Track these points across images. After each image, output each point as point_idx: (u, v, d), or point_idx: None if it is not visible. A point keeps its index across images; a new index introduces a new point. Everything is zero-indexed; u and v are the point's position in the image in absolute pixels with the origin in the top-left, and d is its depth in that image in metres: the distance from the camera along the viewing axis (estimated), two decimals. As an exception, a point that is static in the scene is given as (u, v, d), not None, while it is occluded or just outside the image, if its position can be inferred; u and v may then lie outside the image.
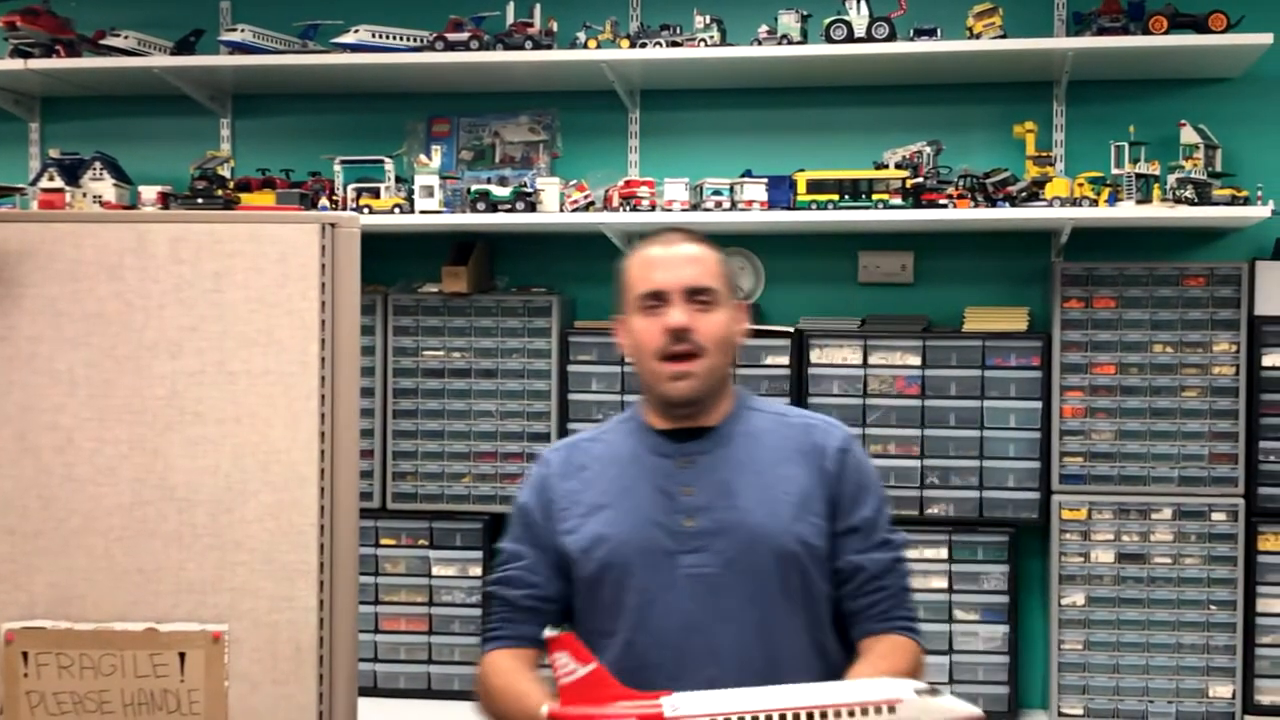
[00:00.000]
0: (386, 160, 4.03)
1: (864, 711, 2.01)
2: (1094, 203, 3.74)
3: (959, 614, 3.93)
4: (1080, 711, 3.89)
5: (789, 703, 2.04)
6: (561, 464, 2.53)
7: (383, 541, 4.15)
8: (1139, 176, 3.75)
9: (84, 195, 4.05)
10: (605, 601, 2.41)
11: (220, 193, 4.01)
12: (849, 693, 2.06)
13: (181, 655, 2.70)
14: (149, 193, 4.05)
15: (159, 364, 2.71)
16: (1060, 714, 3.89)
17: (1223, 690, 3.85)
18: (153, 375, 2.71)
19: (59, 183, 4.04)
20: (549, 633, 2.20)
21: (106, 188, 4.06)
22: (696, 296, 2.39)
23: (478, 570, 4.14)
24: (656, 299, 2.40)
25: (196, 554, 2.70)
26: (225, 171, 4.13)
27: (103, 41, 4.07)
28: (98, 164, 4.09)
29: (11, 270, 2.73)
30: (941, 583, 3.93)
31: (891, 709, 2.01)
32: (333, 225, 2.73)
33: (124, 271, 2.71)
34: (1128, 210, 3.73)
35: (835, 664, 2.39)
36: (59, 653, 2.72)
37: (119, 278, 2.71)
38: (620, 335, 2.52)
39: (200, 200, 3.97)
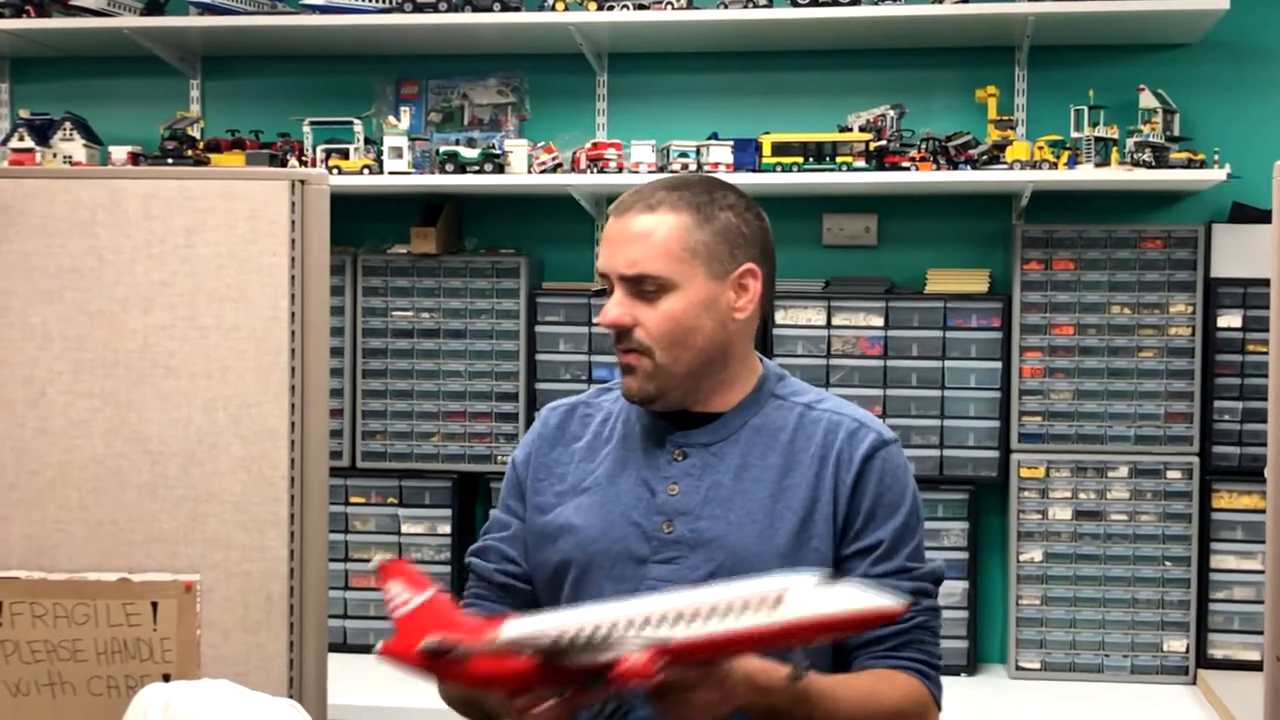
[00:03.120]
0: (355, 122, 4.06)
1: (745, 607, 1.69)
2: (1054, 166, 3.80)
3: (920, 570, 3.99)
4: (1038, 665, 3.96)
5: (659, 607, 1.72)
6: (556, 427, 2.21)
7: (352, 499, 4.20)
8: (1098, 140, 3.81)
9: (54, 155, 4.07)
10: (562, 600, 2.07)
11: (190, 153, 4.04)
12: (734, 590, 1.73)
13: (154, 605, 2.74)
14: (119, 153, 4.07)
15: (131, 318, 2.75)
16: (1018, 668, 3.97)
17: (1177, 644, 3.93)
18: (125, 329, 2.75)
19: (29, 143, 4.06)
20: (377, 560, 1.92)
21: (77, 148, 4.08)
22: (639, 285, 2.01)
23: (446, 528, 4.18)
24: (606, 280, 2.07)
25: (169, 505, 2.74)
26: (195, 132, 4.15)
27: (72, 2, 4.08)
28: (68, 124, 4.11)
29: (-16, 226, 2.76)
30: (903, 540, 3.99)
31: (779, 600, 1.68)
32: (302, 182, 2.78)
33: (96, 227, 2.75)
34: (1087, 173, 3.79)
35: None
36: (33, 602, 2.76)
37: (91, 233, 2.75)
38: None
39: (170, 161, 3.99)
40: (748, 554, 1.98)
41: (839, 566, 2.00)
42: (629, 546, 2.03)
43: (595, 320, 2.07)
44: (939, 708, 2.09)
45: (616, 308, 2.02)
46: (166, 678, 2.69)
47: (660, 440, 2.08)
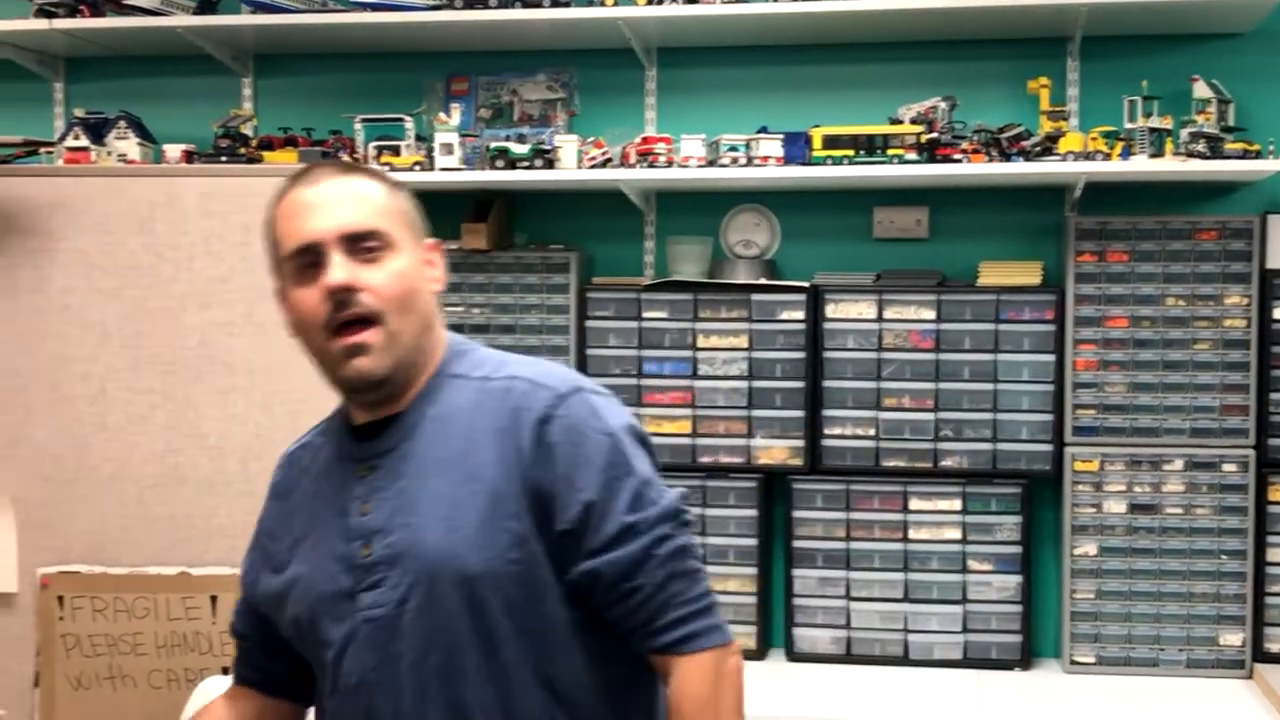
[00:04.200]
0: (406, 118, 4.07)
1: None
2: (1107, 157, 3.77)
3: (972, 564, 3.98)
4: (1092, 660, 3.94)
5: None
6: (279, 480, 2.10)
7: (405, 494, 4.22)
8: (1152, 131, 3.78)
9: (109, 154, 4.10)
10: (310, 656, 1.98)
11: (243, 151, 4.06)
12: None
13: (213, 598, 2.78)
14: (173, 151, 4.10)
15: (189, 315, 2.78)
16: (1073, 662, 3.94)
17: (1233, 638, 3.90)
18: (183, 326, 2.78)
19: (84, 141, 4.09)
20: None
21: (131, 146, 4.11)
22: (361, 244, 1.85)
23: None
24: (309, 255, 1.86)
25: (227, 500, 2.78)
26: (248, 130, 4.17)
27: (126, 1, 4.11)
28: (122, 123, 4.14)
29: (43, 223, 2.80)
30: (955, 534, 3.98)
31: None
32: (357, 179, 2.79)
33: (154, 224, 2.78)
34: (1141, 164, 3.76)
35: (589, 706, 1.90)
36: (93, 596, 2.80)
37: (149, 230, 2.78)
38: (282, 310, 1.97)
39: (224, 158, 4.02)
40: (437, 556, 1.82)
41: (560, 544, 1.84)
42: (338, 583, 1.88)
43: (328, 285, 1.89)
44: (728, 641, 1.90)
45: (341, 270, 1.83)
46: (225, 671, 2.72)
47: (350, 459, 1.94)
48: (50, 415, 2.81)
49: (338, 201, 1.86)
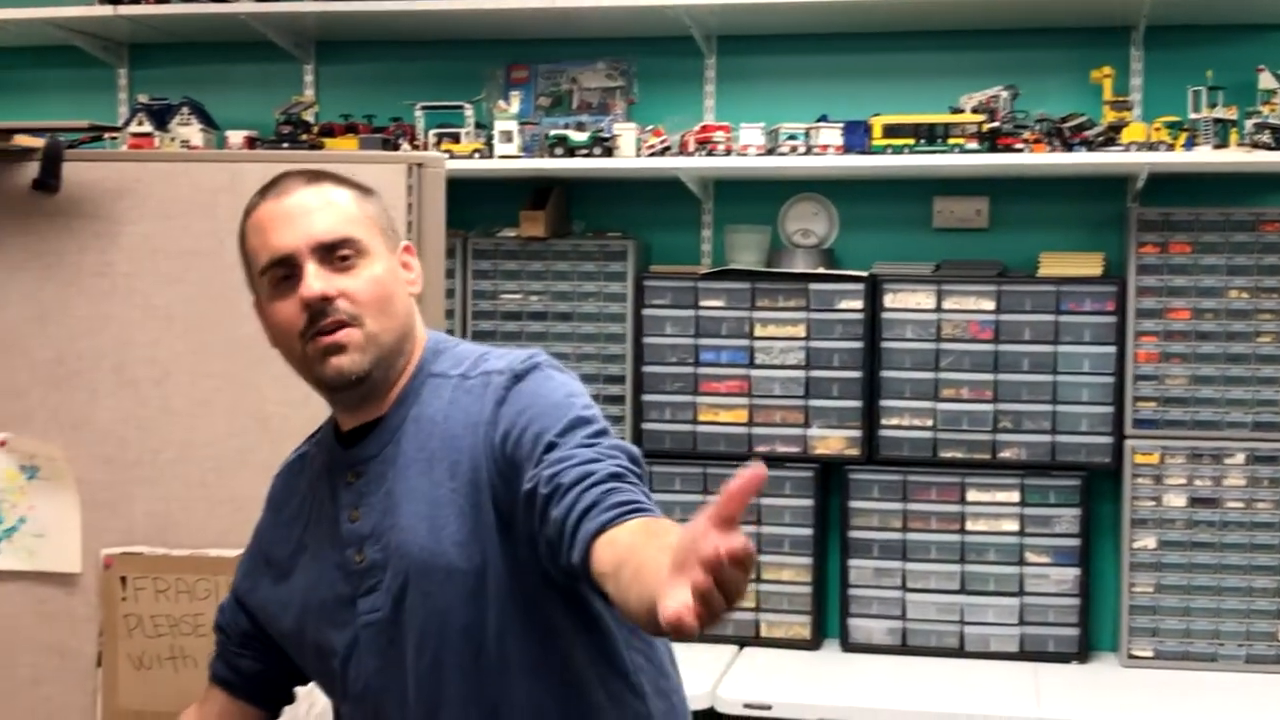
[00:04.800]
0: (466, 106, 4.09)
1: None
2: (1171, 147, 3.74)
3: (1030, 557, 3.96)
4: (1150, 654, 3.91)
5: None
6: (277, 490, 2.12)
7: (462, 480, 4.24)
8: (1216, 121, 3.74)
9: (172, 140, 4.14)
10: (312, 666, 2.02)
11: (305, 138, 4.09)
12: None
13: (273, 581, 2.80)
14: (235, 137, 4.14)
15: (251, 299, 2.80)
16: (1130, 656, 3.92)
17: (1294, 634, 3.87)
18: (245, 311, 2.78)
19: (148, 127, 4.13)
20: None
21: (194, 133, 4.14)
22: (335, 253, 1.86)
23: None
24: (283, 268, 1.87)
25: (288, 483, 2.79)
26: (309, 117, 4.20)
27: (189, -13, 4.15)
28: (185, 109, 4.17)
29: (108, 208, 2.82)
30: (1013, 526, 3.96)
31: None
32: (419, 165, 2.81)
33: (217, 209, 2.79)
34: (1205, 155, 3.73)
35: (580, 693, 1.87)
36: (156, 577, 2.82)
37: (212, 215, 2.80)
38: (262, 323, 1.98)
39: (285, 145, 4.05)
40: (424, 554, 1.82)
41: (522, 504, 1.75)
42: (337, 591, 1.90)
43: (304, 298, 1.89)
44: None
45: (317, 280, 1.83)
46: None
47: (338, 467, 1.95)
48: (114, 398, 2.83)
49: (309, 211, 1.87)
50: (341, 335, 1.84)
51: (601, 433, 1.77)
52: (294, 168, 1.99)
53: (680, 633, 1.28)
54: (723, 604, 1.28)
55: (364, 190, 1.95)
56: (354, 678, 1.90)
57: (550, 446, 1.73)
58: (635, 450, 1.77)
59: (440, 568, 1.81)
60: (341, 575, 1.90)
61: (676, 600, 1.28)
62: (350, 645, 1.90)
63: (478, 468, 1.82)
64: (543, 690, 1.85)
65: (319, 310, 1.84)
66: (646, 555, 1.47)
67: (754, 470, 1.26)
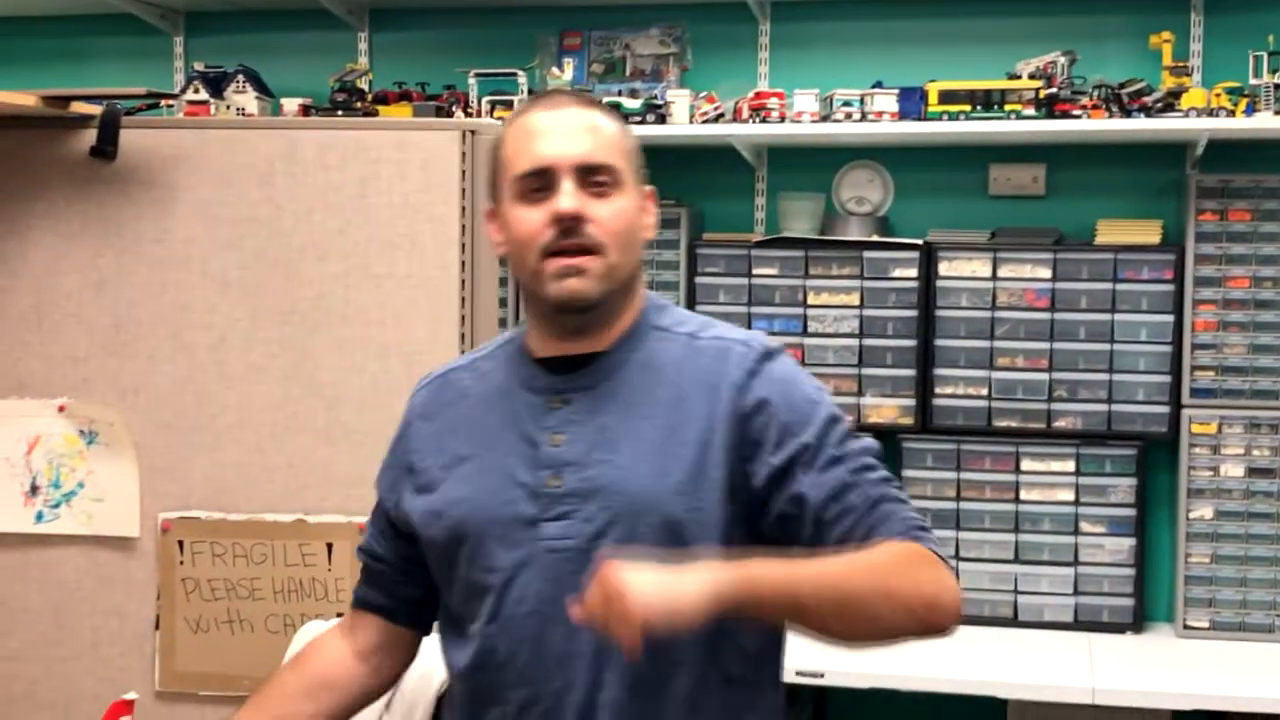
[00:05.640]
0: (519, 73, 4.08)
1: None
2: (1231, 114, 3.69)
3: (1085, 526, 3.94)
4: (1206, 624, 3.89)
5: None
6: (426, 401, 2.05)
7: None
8: (1277, 87, 3.69)
9: (228, 107, 4.15)
10: (460, 581, 1.94)
11: (359, 105, 4.09)
12: None
13: (329, 545, 2.82)
14: (290, 105, 4.14)
15: (307, 266, 2.82)
16: (1186, 626, 3.89)
17: (1352, 606, 3.83)
18: (301, 277, 2.82)
19: (204, 95, 4.15)
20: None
21: (249, 100, 4.15)
22: (592, 177, 1.85)
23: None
24: (539, 179, 1.86)
25: (344, 449, 2.81)
26: (364, 85, 4.21)
27: (245, -44, 4.16)
28: (240, 77, 4.18)
29: (166, 174, 2.84)
30: (1068, 495, 3.93)
31: None
32: (473, 132, 2.81)
33: (274, 177, 2.81)
34: (1265, 121, 3.68)
35: (748, 664, 1.91)
36: (213, 541, 2.86)
37: (269, 183, 2.82)
38: (492, 230, 1.97)
39: (340, 113, 4.05)
40: (642, 498, 1.82)
41: (768, 488, 1.83)
42: (517, 509, 1.87)
43: (559, 211, 1.84)
44: (947, 564, 1.83)
45: (572, 198, 1.83)
46: (340, 617, 2.76)
47: (538, 389, 1.92)
48: (172, 363, 2.86)
49: (576, 131, 1.86)
50: (583, 260, 1.84)
51: (849, 434, 1.87)
52: (556, 88, 1.97)
53: None
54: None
55: (625, 125, 1.95)
56: (516, 598, 1.86)
57: (807, 448, 1.82)
58: (877, 445, 1.89)
59: (656, 512, 1.82)
60: (525, 494, 1.87)
61: None
62: (520, 565, 1.86)
63: (712, 429, 1.85)
64: (708, 657, 1.86)
65: (568, 229, 1.83)
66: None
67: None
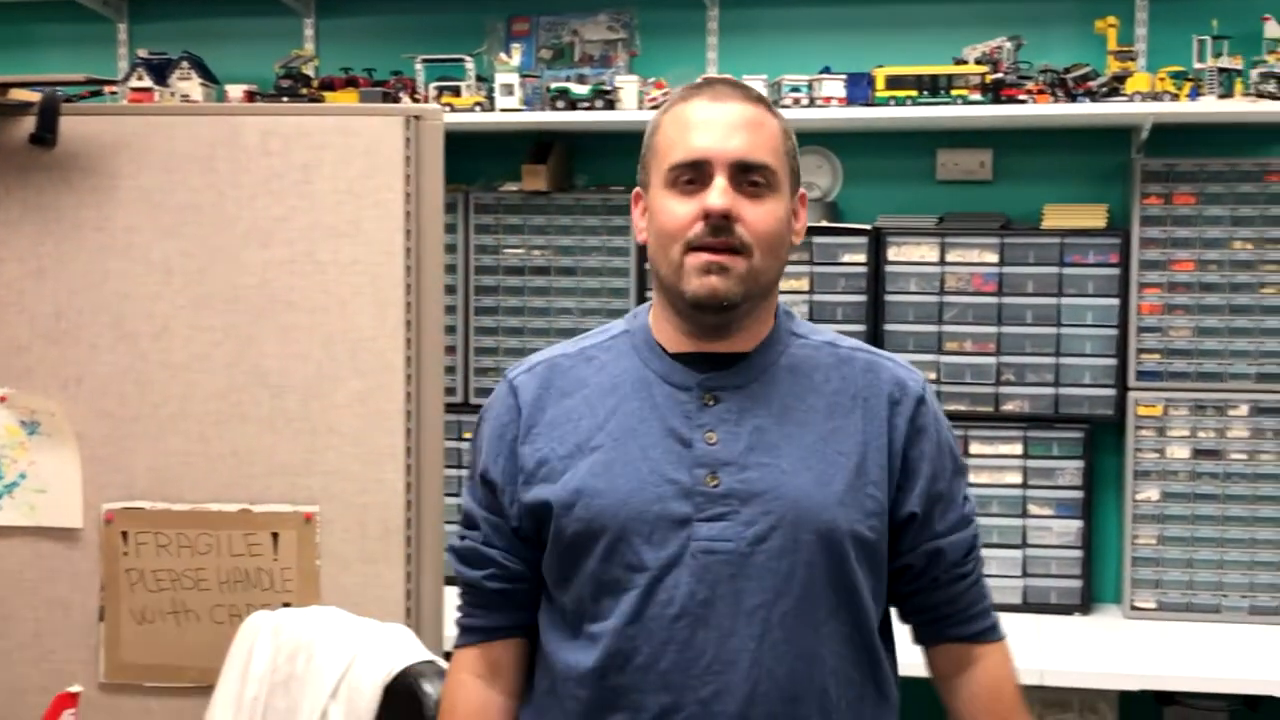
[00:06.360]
0: (467, 59, 4.06)
1: None
2: (1175, 98, 3.71)
3: (1033, 509, 3.96)
4: (1153, 605, 3.92)
5: None
6: (538, 390, 1.93)
7: (465, 435, 4.23)
8: (1221, 71, 3.71)
9: (172, 94, 4.12)
10: (588, 577, 1.84)
11: (305, 92, 4.07)
12: None
13: (274, 535, 2.80)
14: (235, 92, 4.11)
15: (251, 253, 2.80)
16: (1133, 607, 3.92)
17: (1297, 586, 3.87)
18: (244, 265, 2.80)
19: (147, 82, 4.11)
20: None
21: (194, 87, 4.12)
22: (748, 176, 1.80)
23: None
24: (693, 171, 1.80)
25: (288, 438, 2.80)
26: (309, 71, 4.18)
27: (188, -58, 4.12)
28: (185, 64, 4.15)
29: (107, 162, 2.81)
30: (1016, 478, 3.96)
31: None
32: (417, 118, 2.80)
33: (216, 163, 2.79)
34: (1209, 105, 3.70)
35: (882, 674, 1.91)
36: (157, 532, 2.83)
37: (211, 169, 2.79)
38: (635, 214, 1.93)
39: (285, 99, 4.02)
40: (809, 503, 1.79)
41: (903, 525, 1.88)
42: (668, 507, 1.80)
43: (710, 208, 1.78)
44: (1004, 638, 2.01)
45: (724, 196, 1.77)
46: (287, 606, 2.75)
47: (683, 385, 1.85)
48: (114, 352, 2.83)
49: (738, 127, 1.81)
50: (727, 258, 1.79)
51: (969, 494, 1.98)
52: (723, 77, 1.94)
53: None
54: None
55: (788, 126, 1.90)
56: (664, 600, 1.79)
57: (939, 497, 1.91)
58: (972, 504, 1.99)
59: (822, 522, 1.80)
60: (677, 492, 1.80)
61: None
62: (670, 564, 1.79)
63: (868, 443, 1.86)
64: (851, 663, 1.87)
65: (718, 226, 1.78)
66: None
67: None
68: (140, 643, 2.85)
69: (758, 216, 1.80)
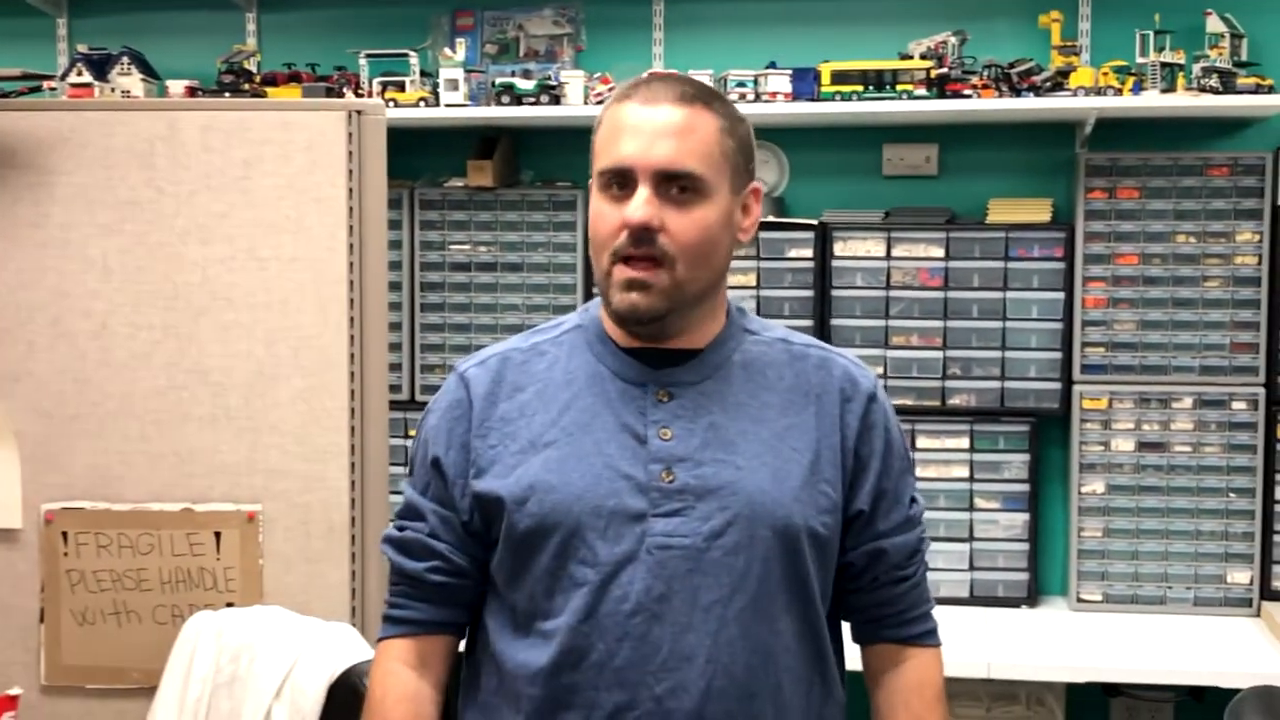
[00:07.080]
0: (411, 54, 4.04)
1: None
2: (1118, 92, 3.73)
3: (980, 502, 3.97)
4: (1099, 597, 3.94)
5: None
6: (490, 384, 1.89)
7: (410, 433, 4.21)
8: (1164, 66, 3.73)
9: (112, 90, 4.06)
10: (541, 573, 1.81)
11: (247, 87, 4.03)
12: None
13: (217, 534, 2.78)
14: (176, 87, 4.07)
15: (190, 250, 2.77)
16: (1079, 600, 3.94)
17: (1241, 576, 3.89)
18: (185, 261, 2.77)
19: (87, 78, 4.06)
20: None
21: (134, 83, 4.07)
22: (675, 183, 1.77)
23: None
24: (620, 179, 1.78)
25: (230, 436, 2.77)
26: (252, 66, 4.14)
27: (128, -65, 4.07)
28: (125, 59, 4.10)
29: (44, 158, 2.78)
30: (963, 472, 3.97)
31: None
32: (359, 113, 2.78)
33: (155, 159, 2.76)
34: (1152, 99, 3.72)
35: (831, 671, 1.92)
36: (98, 532, 2.80)
37: (150, 165, 2.76)
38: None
39: (227, 94, 3.98)
40: (765, 499, 1.79)
41: (856, 513, 1.89)
42: (623, 501, 1.78)
43: (628, 221, 1.77)
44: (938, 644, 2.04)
45: (646, 208, 1.74)
46: (230, 606, 2.72)
47: (637, 380, 1.85)
48: (52, 351, 2.80)
49: (664, 134, 1.76)
50: (648, 274, 1.77)
51: (916, 495, 1.98)
52: (665, 73, 1.90)
53: None
54: None
55: (734, 119, 1.84)
56: (619, 595, 1.77)
57: (884, 494, 1.91)
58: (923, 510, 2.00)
59: (778, 518, 1.80)
60: (631, 487, 1.79)
61: None
62: (625, 560, 1.78)
63: (821, 440, 1.87)
64: (803, 659, 1.88)
65: (638, 237, 1.76)
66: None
67: None
68: (81, 644, 2.82)
69: (682, 227, 1.77)
